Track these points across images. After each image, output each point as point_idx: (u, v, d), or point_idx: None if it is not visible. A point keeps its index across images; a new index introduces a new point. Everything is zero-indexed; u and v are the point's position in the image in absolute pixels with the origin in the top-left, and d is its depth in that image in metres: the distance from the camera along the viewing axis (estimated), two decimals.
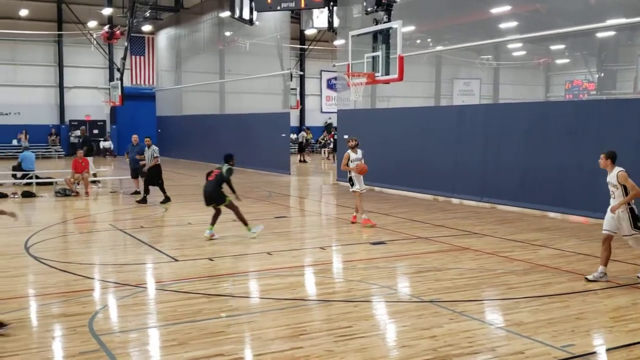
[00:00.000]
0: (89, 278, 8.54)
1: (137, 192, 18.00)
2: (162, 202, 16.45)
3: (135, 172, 18.35)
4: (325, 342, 5.95)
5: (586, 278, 8.31)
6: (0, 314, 6.65)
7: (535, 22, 25.98)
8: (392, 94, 30.52)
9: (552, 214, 14.23)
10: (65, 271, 8.82)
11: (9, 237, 11.58)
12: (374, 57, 14.03)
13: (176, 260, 9.59)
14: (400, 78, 13.54)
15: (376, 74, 13.87)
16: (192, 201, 16.31)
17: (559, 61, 40.59)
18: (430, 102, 38.59)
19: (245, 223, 11.33)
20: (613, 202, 8.21)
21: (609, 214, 8.29)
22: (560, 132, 14.21)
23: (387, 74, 13.77)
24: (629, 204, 8.13)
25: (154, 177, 16.68)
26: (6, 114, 36.62)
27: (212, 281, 8.41)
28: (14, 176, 20.08)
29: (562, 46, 37.09)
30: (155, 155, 16.49)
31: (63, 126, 37.97)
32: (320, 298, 7.57)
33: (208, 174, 11.40)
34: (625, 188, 8.09)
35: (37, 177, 19.73)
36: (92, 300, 7.59)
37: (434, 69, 41.18)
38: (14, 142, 36.21)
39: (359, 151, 12.81)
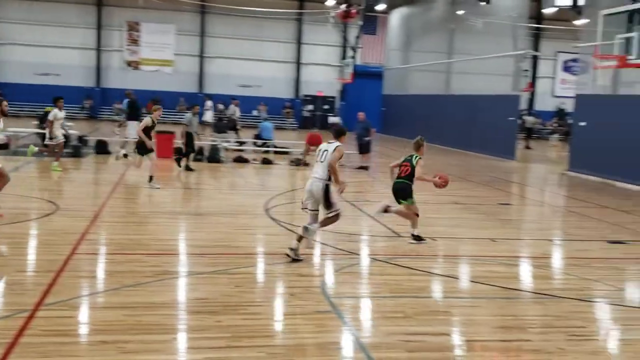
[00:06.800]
0: (321, 243, 9.07)
1: (362, 167, 18.65)
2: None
3: (362, 148, 19.07)
4: (557, 338, 5.65)
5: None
6: (240, 267, 7.41)
7: None
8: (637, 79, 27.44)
9: None
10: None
11: (252, 198, 12.84)
12: (627, 39, 12.75)
13: (399, 236, 9.77)
14: None
15: (629, 57, 12.61)
16: None
17: None
18: None
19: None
20: None
21: None
22: None
23: None
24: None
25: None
26: (249, 86, 40.27)
27: (434, 260, 8.47)
28: (255, 144, 22.03)
29: None
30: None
31: (297, 100, 40.62)
32: (550, 292, 7.17)
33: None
34: None
35: (274, 147, 21.44)
36: (323, 264, 8.08)
37: None
38: (254, 112, 39.55)
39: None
